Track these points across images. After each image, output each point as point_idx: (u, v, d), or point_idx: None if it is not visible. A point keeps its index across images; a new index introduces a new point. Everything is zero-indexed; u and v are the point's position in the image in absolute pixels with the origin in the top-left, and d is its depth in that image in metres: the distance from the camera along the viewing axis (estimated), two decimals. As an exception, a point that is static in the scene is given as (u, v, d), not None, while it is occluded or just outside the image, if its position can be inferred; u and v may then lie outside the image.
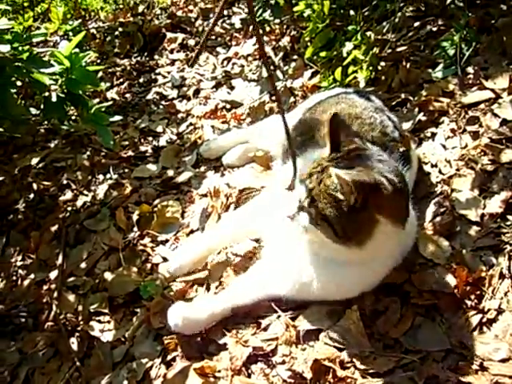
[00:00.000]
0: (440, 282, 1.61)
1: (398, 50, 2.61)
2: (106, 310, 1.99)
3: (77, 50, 2.08)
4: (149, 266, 2.12)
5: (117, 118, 2.38)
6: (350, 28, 2.63)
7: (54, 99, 2.11)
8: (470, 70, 2.31)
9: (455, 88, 2.27)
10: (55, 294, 2.11)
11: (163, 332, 1.81)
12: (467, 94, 2.21)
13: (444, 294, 1.58)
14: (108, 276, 2.11)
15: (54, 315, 2.04)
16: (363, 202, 1.44)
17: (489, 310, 1.52)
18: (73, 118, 2.69)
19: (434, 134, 2.15)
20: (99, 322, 1.97)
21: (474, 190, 1.84)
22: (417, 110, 2.27)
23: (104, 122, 2.20)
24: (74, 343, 1.93)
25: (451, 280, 1.60)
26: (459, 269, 1.59)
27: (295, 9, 2.83)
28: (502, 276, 1.58)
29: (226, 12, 3.93)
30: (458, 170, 1.94)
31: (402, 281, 1.66)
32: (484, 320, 1.51)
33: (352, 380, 1.46)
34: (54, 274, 2.22)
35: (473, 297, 1.56)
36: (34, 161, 2.85)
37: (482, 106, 2.13)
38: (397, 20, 2.66)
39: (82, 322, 1.99)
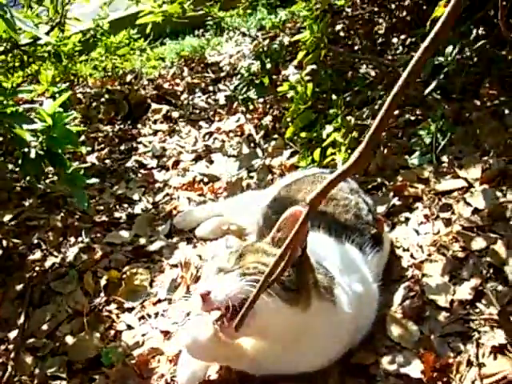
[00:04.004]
0: (407, 366, 1.59)
1: (377, 135, 2.66)
2: (64, 375, 1.91)
3: (60, 109, 2.11)
4: (112, 332, 2.05)
5: (94, 180, 2.38)
6: (331, 111, 2.70)
7: (32, 155, 2.11)
8: (444, 158, 2.38)
9: (430, 175, 2.32)
10: (12, 355, 2.03)
11: (121, 401, 1.75)
12: (441, 181, 2.26)
13: (410, 379, 1.55)
14: (69, 340, 2.04)
15: (8, 376, 1.95)
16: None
17: (456, 397, 1.50)
18: (51, 178, 2.70)
19: (407, 219, 2.17)
20: (55, 386, 1.89)
21: (444, 276, 1.85)
22: (392, 194, 2.30)
23: (80, 183, 2.20)
24: (26, 408, 1.84)
25: (418, 365, 1.57)
26: (427, 354, 1.57)
27: (279, 89, 2.91)
28: (469, 363, 1.56)
29: (211, 88, 4.04)
30: (429, 255, 1.95)
31: (369, 363, 1.63)
32: (451, 408, 1.48)
33: None
34: (13, 334, 2.14)
35: (440, 383, 1.53)
36: (7, 217, 2.82)
37: (455, 193, 2.18)
38: (377, 107, 2.74)
39: (37, 386, 1.91)
